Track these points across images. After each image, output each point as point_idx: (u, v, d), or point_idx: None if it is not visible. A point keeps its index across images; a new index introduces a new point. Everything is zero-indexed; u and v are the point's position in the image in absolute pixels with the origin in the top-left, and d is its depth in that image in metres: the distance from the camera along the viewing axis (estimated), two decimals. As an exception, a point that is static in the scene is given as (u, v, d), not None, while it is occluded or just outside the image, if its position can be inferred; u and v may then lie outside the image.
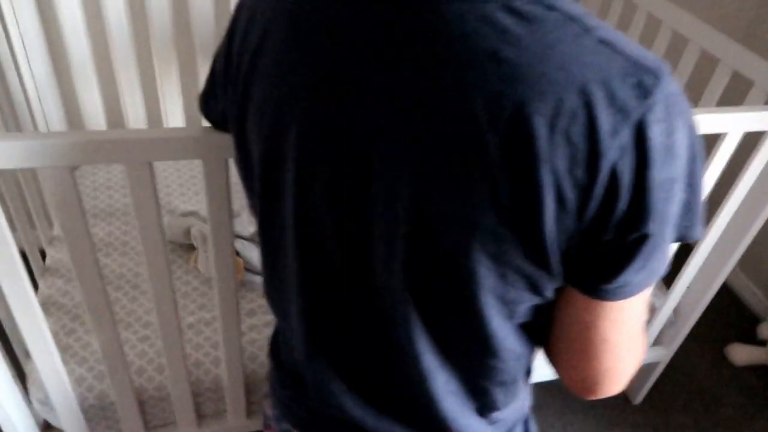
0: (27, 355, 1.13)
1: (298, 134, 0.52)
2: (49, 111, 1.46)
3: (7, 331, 1.09)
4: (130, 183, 0.76)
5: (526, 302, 0.51)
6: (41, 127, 1.46)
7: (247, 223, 1.32)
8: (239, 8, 0.58)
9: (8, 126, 1.26)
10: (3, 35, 1.28)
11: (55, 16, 1.40)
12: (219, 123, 0.71)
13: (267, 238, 0.64)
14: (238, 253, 1.30)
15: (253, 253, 1.28)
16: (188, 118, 1.65)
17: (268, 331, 1.20)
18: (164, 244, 0.84)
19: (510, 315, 0.52)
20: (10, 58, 1.30)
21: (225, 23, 1.58)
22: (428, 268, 0.50)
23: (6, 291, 0.82)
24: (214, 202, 0.82)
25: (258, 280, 1.29)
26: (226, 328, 0.98)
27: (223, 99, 0.64)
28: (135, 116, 1.58)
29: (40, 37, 1.37)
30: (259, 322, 1.21)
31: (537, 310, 0.53)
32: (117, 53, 1.47)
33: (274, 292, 0.67)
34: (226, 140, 0.74)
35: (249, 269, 1.28)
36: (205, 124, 0.73)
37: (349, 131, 0.49)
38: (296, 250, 0.58)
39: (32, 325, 0.89)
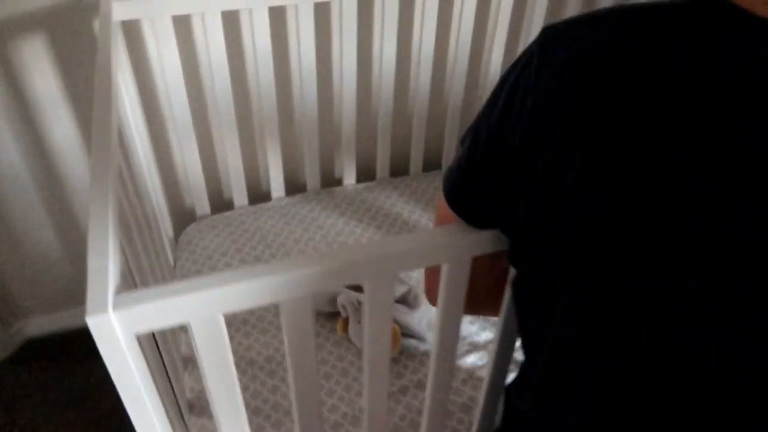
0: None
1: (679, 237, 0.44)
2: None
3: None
4: (368, 298, 0.67)
5: None
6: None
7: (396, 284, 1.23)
8: (536, 96, 0.49)
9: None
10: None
11: (153, 83, 1.32)
12: (478, 219, 0.63)
13: (576, 345, 0.55)
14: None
15: (407, 317, 1.19)
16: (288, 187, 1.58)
17: (448, 405, 1.11)
18: (390, 352, 0.75)
19: None
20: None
21: (327, 108, 1.54)
22: None
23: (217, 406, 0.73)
24: (450, 303, 0.72)
25: (414, 343, 1.19)
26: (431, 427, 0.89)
27: (497, 196, 0.57)
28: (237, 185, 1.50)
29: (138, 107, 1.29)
30: (434, 395, 1.12)
31: None
32: (219, 124, 1.38)
33: (557, 398, 0.59)
34: (474, 238, 0.65)
35: (405, 333, 1.19)
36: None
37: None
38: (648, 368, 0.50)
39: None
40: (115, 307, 0.56)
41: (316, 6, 1.30)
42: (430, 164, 1.69)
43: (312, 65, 1.36)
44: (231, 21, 1.29)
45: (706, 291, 0.45)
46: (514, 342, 0.85)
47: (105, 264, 0.59)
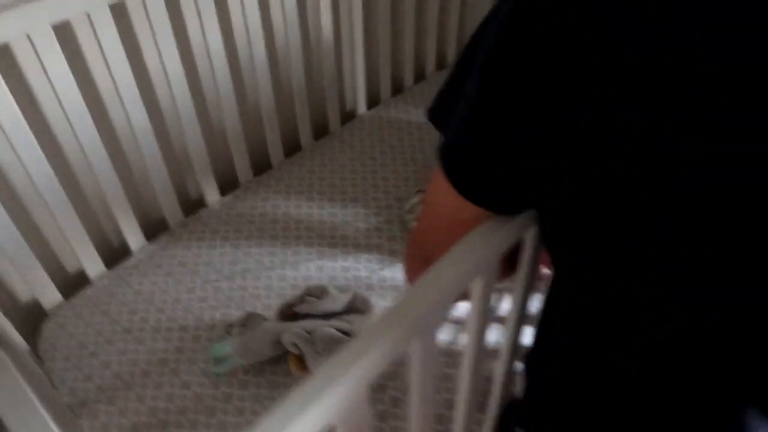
0: None
1: None
2: None
3: None
4: (416, 359, 0.55)
5: None
6: None
7: (331, 302, 1.09)
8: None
9: None
10: None
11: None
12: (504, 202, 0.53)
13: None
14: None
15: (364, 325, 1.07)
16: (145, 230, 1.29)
17: None
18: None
19: None
20: None
21: (161, 124, 1.21)
22: None
23: None
24: (483, 310, 0.62)
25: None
26: None
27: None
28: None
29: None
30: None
31: None
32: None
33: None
34: (501, 236, 0.55)
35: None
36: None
37: None
38: None
39: None
40: None
41: (113, 9, 1.03)
42: (290, 149, 1.53)
43: (128, 78, 1.09)
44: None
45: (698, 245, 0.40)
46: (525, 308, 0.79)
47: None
